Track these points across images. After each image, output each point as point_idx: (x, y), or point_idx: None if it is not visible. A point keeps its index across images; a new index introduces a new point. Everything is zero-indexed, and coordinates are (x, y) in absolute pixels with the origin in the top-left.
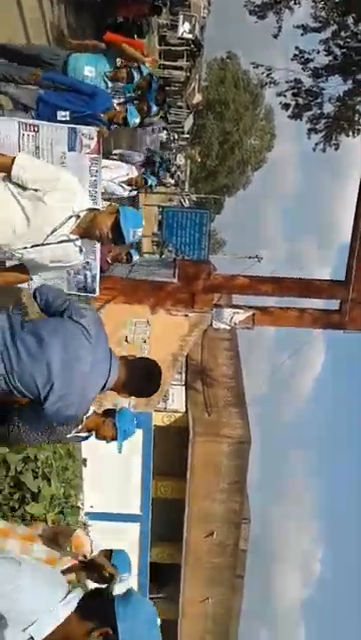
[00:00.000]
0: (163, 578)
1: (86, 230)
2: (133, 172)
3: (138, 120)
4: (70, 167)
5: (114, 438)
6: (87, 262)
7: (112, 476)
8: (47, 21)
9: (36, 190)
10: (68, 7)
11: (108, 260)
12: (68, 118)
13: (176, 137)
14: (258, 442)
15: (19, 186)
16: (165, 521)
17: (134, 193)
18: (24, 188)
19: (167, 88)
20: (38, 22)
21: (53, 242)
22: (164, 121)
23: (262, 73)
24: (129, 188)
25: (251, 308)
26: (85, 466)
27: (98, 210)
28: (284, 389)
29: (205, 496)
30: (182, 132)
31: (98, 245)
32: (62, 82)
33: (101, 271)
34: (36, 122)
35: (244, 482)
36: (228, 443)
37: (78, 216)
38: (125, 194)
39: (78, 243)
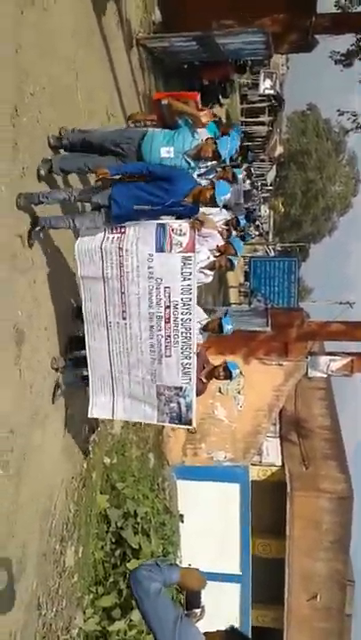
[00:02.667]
0: None
1: None
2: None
3: (228, 196)
4: (158, 271)
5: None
6: (180, 388)
7: (209, 533)
8: (139, 91)
9: None
10: (157, 75)
11: (203, 379)
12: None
13: (260, 189)
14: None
15: None
16: (265, 582)
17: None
18: None
19: (250, 143)
20: (131, 91)
21: None
22: (248, 175)
23: (348, 119)
24: (211, 273)
25: (348, 354)
26: (183, 522)
27: None
28: None
29: (307, 555)
30: (266, 184)
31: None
32: (133, 171)
33: (197, 394)
34: (125, 223)
35: (348, 540)
36: (329, 498)
37: None
38: (209, 279)
39: None
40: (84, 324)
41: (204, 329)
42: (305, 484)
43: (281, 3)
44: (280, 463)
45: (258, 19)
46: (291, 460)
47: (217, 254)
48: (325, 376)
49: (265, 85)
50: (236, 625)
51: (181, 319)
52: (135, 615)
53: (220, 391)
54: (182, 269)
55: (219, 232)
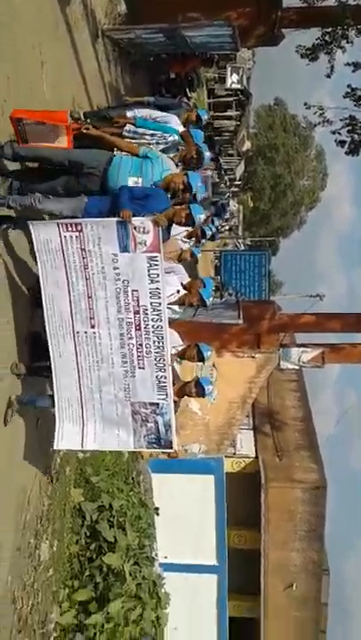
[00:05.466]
0: (242, 634)
1: None
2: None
3: (203, 216)
4: (124, 272)
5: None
6: (156, 404)
7: (185, 526)
8: (105, 82)
9: None
10: (124, 67)
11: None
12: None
13: (228, 183)
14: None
15: None
16: (242, 573)
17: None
18: None
19: (217, 137)
20: (98, 82)
21: None
22: (217, 169)
23: (314, 113)
24: (180, 310)
25: (319, 345)
26: (158, 514)
27: None
28: (357, 428)
29: (282, 545)
30: (234, 179)
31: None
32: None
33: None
34: (77, 220)
35: (321, 529)
36: (303, 488)
37: None
38: (177, 316)
39: None
40: (48, 339)
41: (182, 356)
42: (279, 474)
43: None
44: (254, 455)
45: (224, 12)
46: (264, 451)
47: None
48: (297, 368)
49: (232, 80)
50: (214, 616)
51: (152, 326)
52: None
53: None
54: (149, 271)
55: (184, 258)
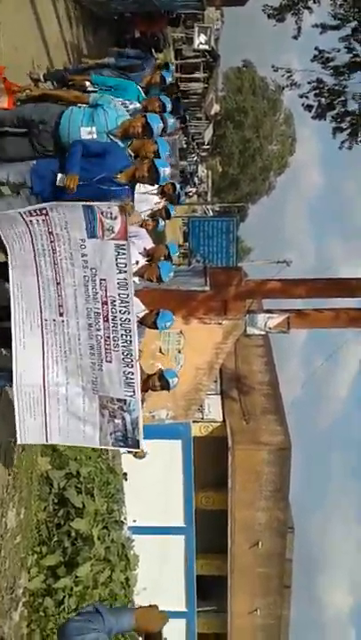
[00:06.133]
0: (210, 591)
1: None
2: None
3: (169, 170)
4: (92, 260)
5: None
6: (124, 400)
7: (153, 490)
8: (67, 42)
9: None
10: (86, 27)
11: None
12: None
13: (197, 148)
14: (298, 448)
15: None
16: (209, 533)
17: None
18: None
19: (185, 100)
20: (59, 43)
21: None
22: (184, 134)
23: (282, 76)
24: (138, 282)
25: (284, 311)
26: (126, 480)
27: None
28: (322, 392)
29: (248, 505)
30: (203, 143)
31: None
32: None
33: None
34: (43, 205)
35: (286, 489)
36: (269, 450)
37: None
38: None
39: None
40: (12, 329)
41: (141, 322)
42: (245, 437)
43: None
44: (221, 419)
45: None
46: (231, 415)
47: (147, 259)
48: (263, 333)
49: (199, 40)
50: (182, 575)
51: (120, 318)
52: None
53: (160, 351)
54: (117, 259)
55: (145, 225)
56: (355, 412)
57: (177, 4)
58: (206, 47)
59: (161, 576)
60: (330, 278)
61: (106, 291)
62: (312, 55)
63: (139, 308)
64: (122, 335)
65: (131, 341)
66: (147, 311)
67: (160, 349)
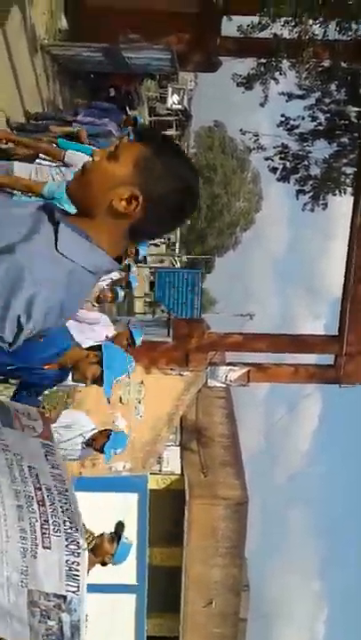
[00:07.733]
0: None
1: None
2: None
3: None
4: (13, 446)
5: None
6: (63, 597)
7: None
8: (43, 96)
9: None
10: (63, 82)
11: None
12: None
13: None
14: (256, 502)
15: None
16: (162, 591)
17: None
18: None
19: None
20: (35, 97)
21: None
22: None
23: (250, 139)
24: None
25: (245, 365)
26: None
27: None
28: (281, 446)
29: (203, 562)
30: None
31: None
32: None
33: None
34: None
35: (242, 545)
36: (225, 505)
37: None
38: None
39: None
40: None
41: (89, 444)
42: (203, 491)
43: (187, 23)
44: (180, 471)
45: (165, 36)
46: (190, 467)
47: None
48: (224, 385)
49: (173, 100)
50: (132, 635)
51: (61, 507)
52: None
53: (120, 401)
54: (47, 456)
55: (104, 297)
56: (312, 467)
57: (151, 68)
58: (179, 106)
59: (109, 637)
60: (290, 334)
61: (37, 478)
62: (278, 121)
63: (89, 426)
64: (64, 522)
65: (77, 529)
66: (96, 430)
67: (120, 399)
